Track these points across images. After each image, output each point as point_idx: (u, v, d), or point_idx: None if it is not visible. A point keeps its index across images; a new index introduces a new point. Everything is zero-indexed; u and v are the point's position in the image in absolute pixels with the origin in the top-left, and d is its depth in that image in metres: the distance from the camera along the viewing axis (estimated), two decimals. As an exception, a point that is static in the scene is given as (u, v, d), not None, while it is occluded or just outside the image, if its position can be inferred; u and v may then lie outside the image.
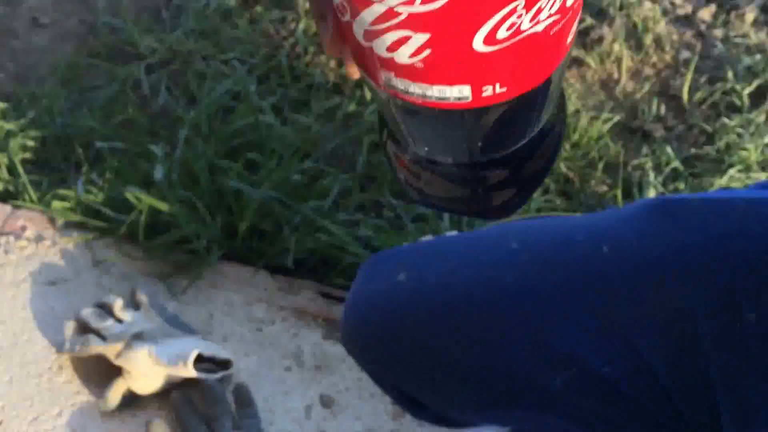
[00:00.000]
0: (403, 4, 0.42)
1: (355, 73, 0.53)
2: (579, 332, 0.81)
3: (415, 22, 0.43)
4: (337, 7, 0.47)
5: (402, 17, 0.43)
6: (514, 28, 0.43)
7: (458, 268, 0.88)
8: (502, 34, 0.43)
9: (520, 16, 0.43)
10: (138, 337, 1.28)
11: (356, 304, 0.94)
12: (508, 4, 0.42)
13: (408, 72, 0.46)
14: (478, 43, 0.43)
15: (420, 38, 0.44)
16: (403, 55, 0.45)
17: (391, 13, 0.43)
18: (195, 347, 1.27)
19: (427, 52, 0.44)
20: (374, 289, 0.92)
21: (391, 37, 0.44)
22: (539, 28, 0.44)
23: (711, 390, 0.76)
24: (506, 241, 0.88)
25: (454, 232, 1.45)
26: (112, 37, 1.80)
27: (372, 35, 0.45)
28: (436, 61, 0.45)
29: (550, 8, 0.44)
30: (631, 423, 0.82)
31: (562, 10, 0.45)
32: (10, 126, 1.59)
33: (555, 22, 0.45)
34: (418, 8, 0.42)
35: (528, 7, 0.43)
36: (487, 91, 0.46)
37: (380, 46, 0.46)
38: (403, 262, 0.91)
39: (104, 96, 1.68)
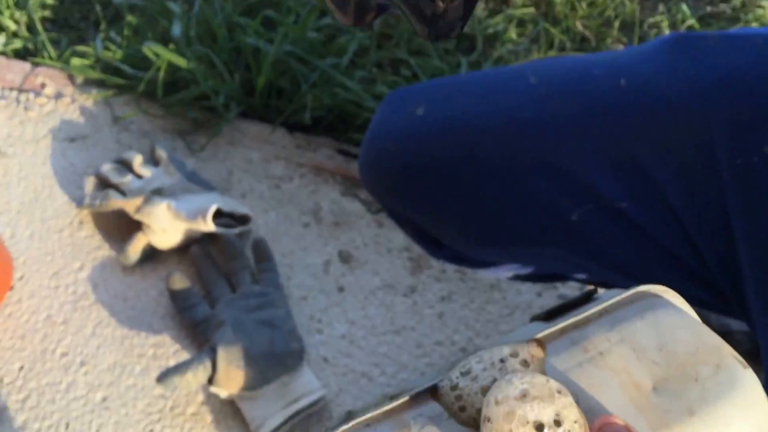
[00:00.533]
0: None
1: None
2: (597, 165, 0.72)
3: None
4: None
5: None
6: None
7: (477, 101, 0.78)
8: None
9: None
10: (157, 192, 1.11)
11: (375, 138, 0.83)
12: None
13: None
14: None
15: None
16: None
17: None
18: (214, 202, 1.10)
19: None
20: (393, 122, 0.82)
21: None
22: None
23: (728, 223, 0.67)
24: (524, 76, 0.77)
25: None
26: None
27: None
28: None
29: None
30: (648, 257, 0.73)
31: None
32: (28, -16, 1.37)
33: None
34: None
35: None
36: None
37: None
38: (423, 97, 0.81)
39: (122, -46, 1.45)
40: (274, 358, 0.99)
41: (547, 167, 0.73)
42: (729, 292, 0.71)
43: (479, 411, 0.40)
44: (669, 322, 0.45)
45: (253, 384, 0.97)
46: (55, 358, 1.01)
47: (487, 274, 1.01)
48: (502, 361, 0.42)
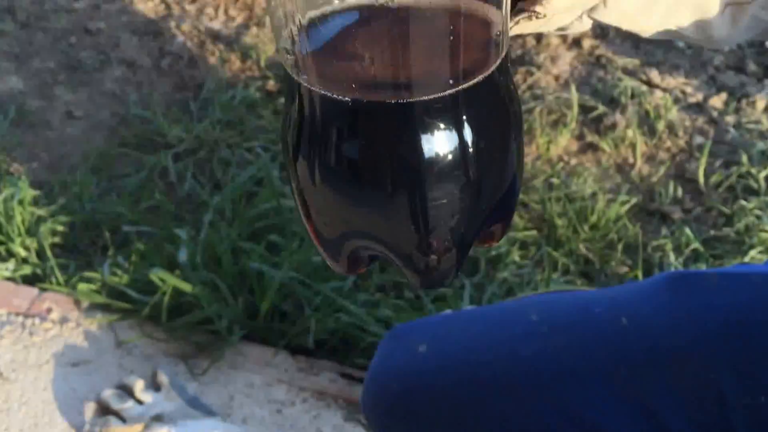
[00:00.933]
0: None
1: None
2: (603, 404, 0.76)
3: None
4: None
5: None
6: None
7: (479, 338, 0.84)
8: None
9: None
10: (158, 419, 1.22)
11: (377, 376, 0.88)
12: None
13: None
14: None
15: None
16: None
17: None
18: (214, 429, 1.20)
19: None
20: (395, 360, 0.87)
21: None
22: None
23: None
24: (526, 313, 0.84)
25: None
26: (142, 128, 1.78)
27: None
28: None
29: None
30: None
31: None
32: (41, 212, 1.56)
33: None
34: None
35: None
36: None
37: None
38: (424, 335, 0.87)
39: (132, 183, 1.64)
40: None
41: (550, 410, 0.78)
42: None
43: None
44: None
45: None
46: None
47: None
48: None
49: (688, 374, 0.74)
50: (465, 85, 0.40)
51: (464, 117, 0.41)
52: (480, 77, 0.41)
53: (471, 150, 0.41)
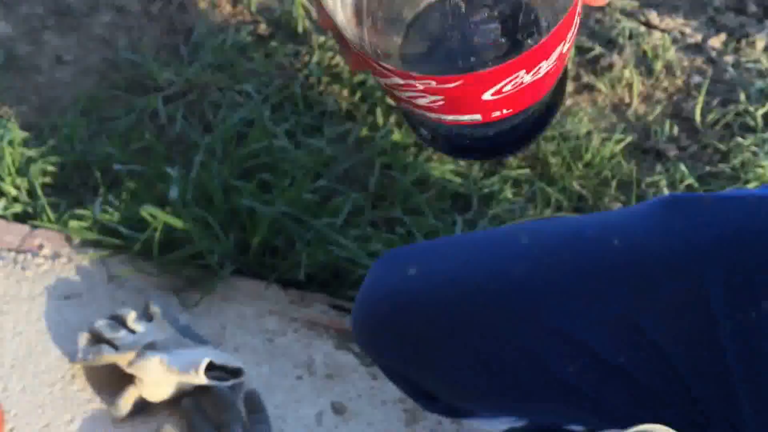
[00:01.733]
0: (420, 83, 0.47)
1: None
2: (591, 324, 0.81)
3: (430, 90, 0.48)
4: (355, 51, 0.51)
5: (418, 88, 0.48)
6: (517, 83, 0.48)
7: (469, 262, 0.89)
8: (507, 88, 0.48)
9: (522, 76, 0.48)
10: (150, 347, 1.29)
11: (367, 298, 0.95)
12: (512, 74, 0.47)
13: (425, 109, 0.51)
14: (487, 96, 0.48)
15: (436, 97, 0.49)
16: (419, 101, 0.50)
17: (408, 84, 0.48)
18: (206, 355, 1.28)
19: (441, 102, 0.49)
20: (385, 283, 0.93)
21: (408, 93, 0.49)
22: (539, 75, 0.49)
23: (729, 379, 0.76)
24: (517, 237, 0.89)
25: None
26: (132, 72, 1.84)
27: (391, 87, 0.50)
28: (450, 107, 0.50)
29: (549, 64, 0.48)
30: (645, 408, 0.82)
31: (559, 59, 0.49)
32: (30, 153, 1.63)
33: (554, 69, 0.49)
34: (434, 86, 0.47)
35: (529, 69, 0.48)
36: (496, 114, 0.51)
37: (398, 92, 0.50)
38: (414, 258, 0.92)
39: (122, 125, 1.71)
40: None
41: (539, 326, 0.83)
42: None
43: None
44: None
45: None
46: (42, 507, 1.16)
47: (481, 426, 1.16)
48: None
49: (678, 290, 0.78)
50: None
51: None
52: None
53: None
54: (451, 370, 0.89)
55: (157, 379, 1.25)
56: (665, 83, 1.86)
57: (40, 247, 1.49)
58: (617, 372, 0.81)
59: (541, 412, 0.92)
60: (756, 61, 1.89)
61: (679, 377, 0.79)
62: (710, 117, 1.77)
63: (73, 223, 1.50)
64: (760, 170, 1.66)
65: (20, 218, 1.55)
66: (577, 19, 0.48)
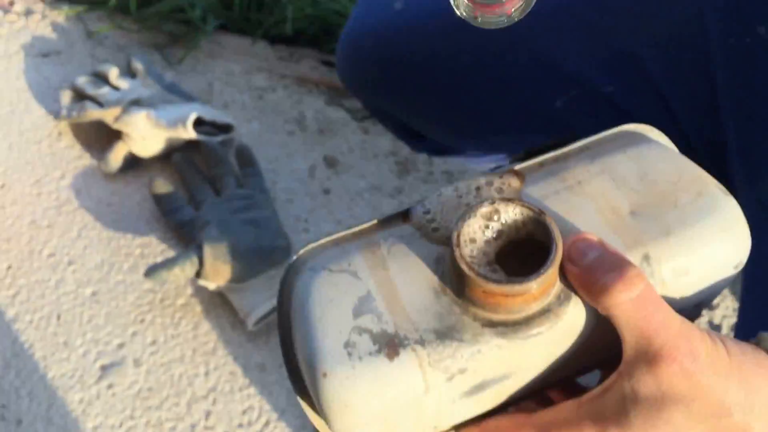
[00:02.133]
0: None
1: None
2: (582, 51, 0.81)
3: None
4: None
5: None
6: None
7: None
8: None
9: None
10: (136, 103, 1.28)
11: (353, 33, 0.94)
12: None
13: None
14: None
15: None
16: None
17: None
18: (194, 110, 1.27)
19: None
20: (371, 17, 0.92)
21: None
22: None
23: (716, 105, 0.76)
24: None
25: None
26: None
27: None
28: None
29: None
30: None
31: None
32: None
33: None
34: None
35: None
36: None
37: None
38: None
39: None
40: (261, 253, 1.16)
41: (530, 56, 0.83)
42: (714, 173, 0.83)
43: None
44: (651, 156, 0.49)
45: (241, 276, 1.14)
46: (42, 258, 1.19)
47: (469, 164, 1.17)
48: (477, 189, 0.48)
49: (673, 13, 0.77)
50: None
51: None
52: None
53: None
54: (438, 104, 0.90)
55: (145, 133, 1.25)
56: None
57: (11, 3, 1.44)
58: (606, 102, 0.82)
59: (526, 145, 0.91)
60: None
61: (670, 111, 0.80)
62: None
63: (46, -23, 1.45)
64: None
65: (-12, -28, 1.49)
66: None
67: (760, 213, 0.70)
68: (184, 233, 1.20)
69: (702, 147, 0.79)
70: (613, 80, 0.81)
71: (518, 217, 0.45)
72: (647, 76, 0.79)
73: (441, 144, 1.00)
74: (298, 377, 0.47)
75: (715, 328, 1.15)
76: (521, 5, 0.44)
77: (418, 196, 1.27)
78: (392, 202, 1.26)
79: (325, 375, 0.43)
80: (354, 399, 0.42)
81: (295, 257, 0.49)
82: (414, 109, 0.93)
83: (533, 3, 0.44)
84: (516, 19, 0.45)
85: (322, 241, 0.49)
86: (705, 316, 1.16)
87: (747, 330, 0.70)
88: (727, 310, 1.16)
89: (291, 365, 0.47)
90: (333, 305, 0.45)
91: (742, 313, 0.74)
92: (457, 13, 0.45)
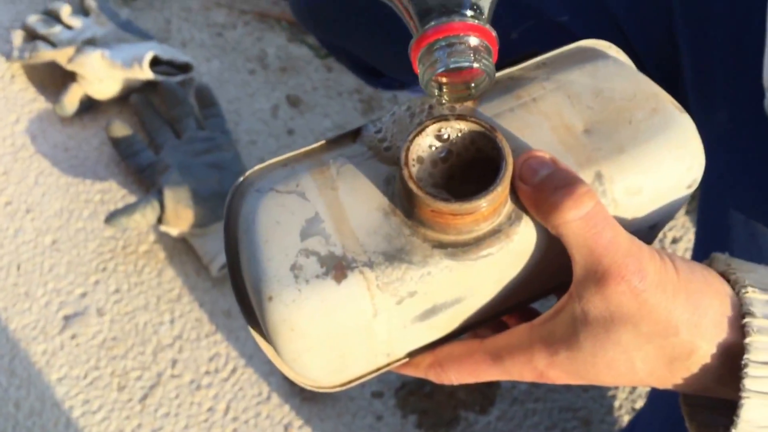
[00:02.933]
0: None
1: None
2: None
3: None
4: None
5: None
6: None
7: None
8: None
9: None
10: (90, 43, 1.27)
11: None
12: None
13: None
14: None
15: None
16: None
17: None
18: (151, 49, 1.26)
19: None
20: None
21: None
22: None
23: (672, 33, 0.76)
24: None
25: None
26: None
27: None
28: None
29: None
30: None
31: None
32: None
33: None
34: None
35: None
36: None
37: None
38: None
39: None
40: (223, 197, 1.16)
41: None
42: None
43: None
44: (608, 72, 0.49)
45: (203, 221, 1.14)
46: (-3, 206, 1.19)
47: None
48: (431, 107, 0.48)
49: None
50: None
51: None
52: None
53: None
54: (390, 37, 0.87)
55: (100, 74, 1.24)
56: None
57: (-42, -60, 1.42)
58: (562, 32, 0.81)
59: None
60: None
61: (627, 40, 0.80)
62: None
63: None
64: None
65: None
66: None
67: (715, 140, 0.71)
68: (144, 178, 1.19)
69: (658, 75, 0.78)
70: (568, 9, 0.81)
71: (468, 133, 0.45)
72: (603, 4, 0.79)
73: (399, 80, 1.00)
74: (247, 305, 0.47)
75: (688, 258, 1.16)
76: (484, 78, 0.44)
77: (386, 133, 1.27)
78: (359, 139, 1.26)
79: (270, 299, 0.43)
80: (300, 323, 0.43)
81: (241, 179, 0.48)
82: (369, 45, 0.93)
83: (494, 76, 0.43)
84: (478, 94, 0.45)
85: (270, 161, 0.49)
86: (668, 249, 1.17)
87: (702, 255, 0.72)
88: (689, 243, 1.18)
89: (240, 292, 0.47)
90: (279, 227, 0.45)
91: (698, 242, 0.75)
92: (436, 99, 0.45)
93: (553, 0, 0.81)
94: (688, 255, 1.17)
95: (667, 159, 0.46)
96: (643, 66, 0.79)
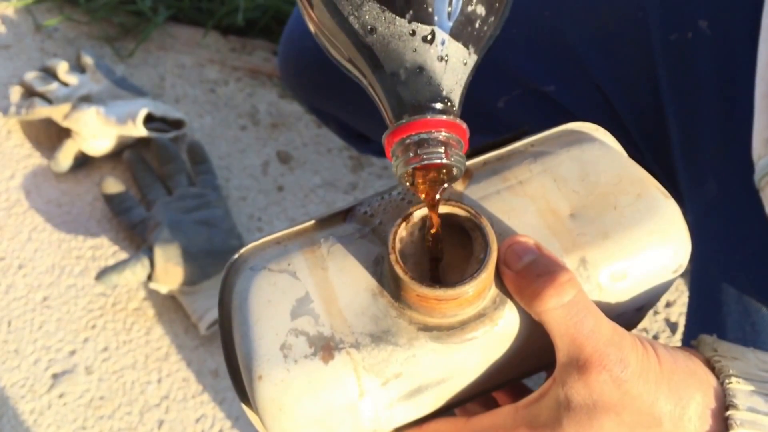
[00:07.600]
0: None
1: None
2: (523, 48, 0.82)
3: None
4: None
5: None
6: None
7: None
8: None
9: None
10: (85, 99, 1.28)
11: (292, 34, 0.95)
12: None
13: None
14: None
15: None
16: None
17: None
18: (144, 106, 1.28)
19: None
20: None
21: None
22: None
23: (659, 102, 0.77)
24: None
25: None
26: None
27: None
28: None
29: None
30: None
31: None
32: None
33: None
34: None
35: None
36: None
37: None
38: None
39: None
40: (213, 254, 1.17)
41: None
42: (659, 172, 0.81)
43: None
44: (594, 156, 0.50)
45: (192, 279, 1.15)
46: (-11, 262, 1.20)
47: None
48: None
49: (614, 7, 0.78)
50: None
51: None
52: None
53: None
54: (375, 109, 0.91)
55: (95, 131, 1.26)
56: None
57: (-44, -4, 1.44)
58: (547, 101, 0.83)
59: (472, 145, 0.94)
60: None
61: (613, 109, 0.81)
62: None
63: (-11, -30, 1.45)
64: None
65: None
66: None
67: (705, 211, 0.71)
68: (135, 234, 1.21)
69: (646, 145, 0.81)
70: (554, 79, 0.82)
71: (455, 218, 0.46)
72: (589, 74, 0.80)
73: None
74: (239, 380, 0.48)
75: (672, 325, 1.18)
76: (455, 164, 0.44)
77: (373, 191, 1.28)
78: (346, 198, 1.27)
79: (260, 378, 0.44)
80: (289, 402, 0.44)
81: (236, 256, 0.49)
82: (357, 112, 0.94)
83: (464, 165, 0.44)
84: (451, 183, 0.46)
85: (264, 239, 0.50)
86: (662, 313, 1.19)
87: (695, 333, 0.72)
88: (684, 307, 1.19)
89: (233, 368, 0.48)
90: (271, 306, 0.46)
91: (690, 315, 0.75)
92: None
93: (539, 70, 0.82)
94: (682, 320, 1.18)
95: (652, 245, 0.47)
96: (630, 136, 0.80)
